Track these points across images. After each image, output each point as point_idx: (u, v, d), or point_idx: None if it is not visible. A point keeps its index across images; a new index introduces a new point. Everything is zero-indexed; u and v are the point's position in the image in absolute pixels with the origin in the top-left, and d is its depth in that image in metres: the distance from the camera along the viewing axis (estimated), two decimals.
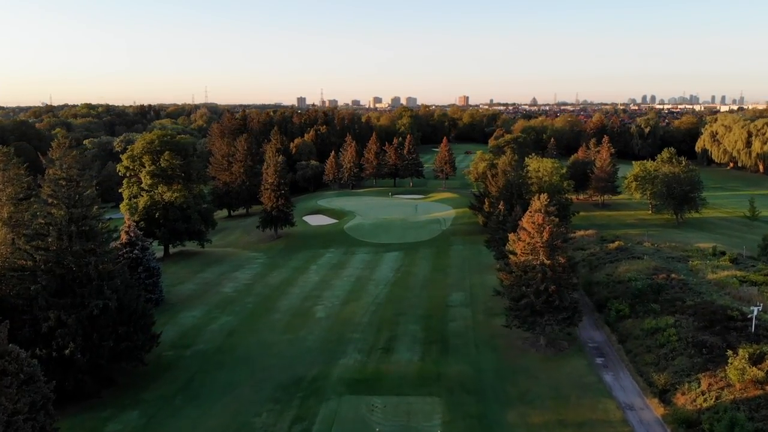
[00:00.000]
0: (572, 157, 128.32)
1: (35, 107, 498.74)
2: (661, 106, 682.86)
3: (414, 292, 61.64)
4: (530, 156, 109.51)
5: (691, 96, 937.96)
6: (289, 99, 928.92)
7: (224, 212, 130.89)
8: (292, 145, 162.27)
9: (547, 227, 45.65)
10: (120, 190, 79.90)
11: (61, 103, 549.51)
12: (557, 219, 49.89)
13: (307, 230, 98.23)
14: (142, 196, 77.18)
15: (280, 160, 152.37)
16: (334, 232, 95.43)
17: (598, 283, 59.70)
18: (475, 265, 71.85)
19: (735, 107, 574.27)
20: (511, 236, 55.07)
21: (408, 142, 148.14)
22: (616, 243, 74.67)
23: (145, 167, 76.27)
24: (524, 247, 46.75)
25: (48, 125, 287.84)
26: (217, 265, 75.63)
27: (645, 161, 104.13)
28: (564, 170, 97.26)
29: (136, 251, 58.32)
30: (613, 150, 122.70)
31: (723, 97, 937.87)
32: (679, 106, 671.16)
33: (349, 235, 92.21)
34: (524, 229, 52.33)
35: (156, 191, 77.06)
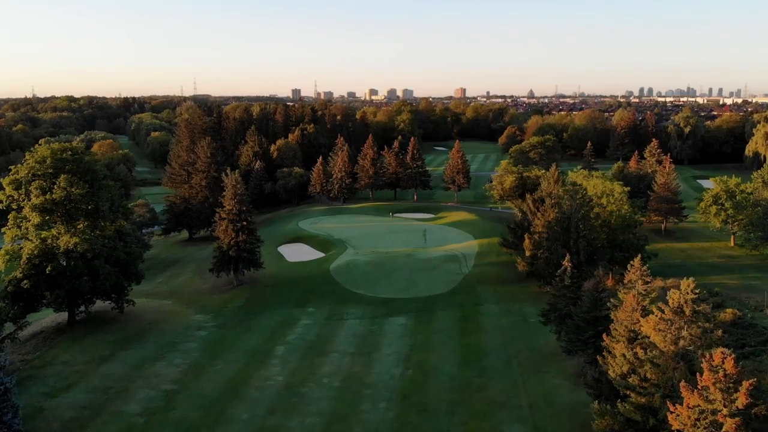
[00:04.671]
0: (615, 165, 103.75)
1: (20, 99, 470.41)
2: (662, 99, 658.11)
3: (438, 421, 37.10)
4: (575, 169, 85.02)
5: (689, 88, 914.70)
6: (284, 91, 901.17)
7: (185, 234, 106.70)
8: (273, 147, 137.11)
9: (745, 383, 21.29)
10: (3, 230, 54.87)
11: (48, 95, 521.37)
12: (721, 331, 26.02)
13: (281, 272, 73.45)
14: (30, 240, 52.41)
15: (258, 167, 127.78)
16: (316, 275, 70.74)
17: None
18: (527, 350, 47.21)
19: (739, 100, 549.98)
20: (617, 361, 30.73)
21: (411, 147, 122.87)
22: (730, 312, 50.45)
23: (31, 199, 51.31)
24: (693, 417, 22.37)
25: (11, 121, 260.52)
26: (136, 343, 50.90)
27: (726, 178, 79.53)
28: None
29: None
30: (666, 157, 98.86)
31: (720, 90, 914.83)
32: (682, 99, 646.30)
33: (337, 282, 67.61)
34: (654, 345, 28.41)
35: (49, 233, 52.29)
